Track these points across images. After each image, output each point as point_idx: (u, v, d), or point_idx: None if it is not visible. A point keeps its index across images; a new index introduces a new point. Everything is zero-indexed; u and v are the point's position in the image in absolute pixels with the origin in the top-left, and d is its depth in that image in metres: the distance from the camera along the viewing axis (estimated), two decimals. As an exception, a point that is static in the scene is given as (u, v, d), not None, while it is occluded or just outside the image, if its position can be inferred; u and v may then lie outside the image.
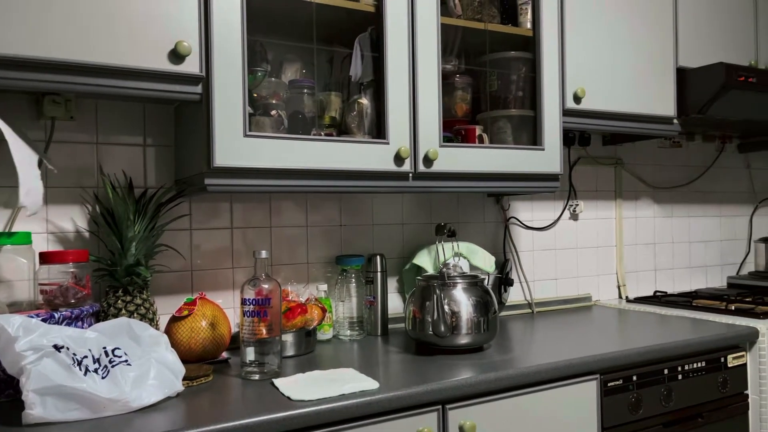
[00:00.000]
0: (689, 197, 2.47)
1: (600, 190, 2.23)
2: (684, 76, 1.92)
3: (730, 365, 1.62)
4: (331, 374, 1.23)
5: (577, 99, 1.71)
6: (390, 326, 1.75)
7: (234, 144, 1.24)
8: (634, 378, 1.44)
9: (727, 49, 2.05)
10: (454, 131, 1.64)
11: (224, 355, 1.42)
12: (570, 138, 2.10)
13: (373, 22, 1.44)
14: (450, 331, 1.39)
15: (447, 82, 1.69)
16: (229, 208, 1.58)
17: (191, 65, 1.21)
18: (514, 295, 2.03)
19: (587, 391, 1.37)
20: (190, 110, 1.35)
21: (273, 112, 1.38)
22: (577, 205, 2.15)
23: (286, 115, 1.41)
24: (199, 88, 1.24)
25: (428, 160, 1.47)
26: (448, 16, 1.56)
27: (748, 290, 2.29)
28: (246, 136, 1.25)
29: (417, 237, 1.84)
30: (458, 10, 1.57)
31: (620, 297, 2.25)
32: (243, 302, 1.23)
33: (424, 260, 1.70)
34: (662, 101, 1.89)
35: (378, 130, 1.44)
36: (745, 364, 1.65)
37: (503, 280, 1.93)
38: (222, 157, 1.23)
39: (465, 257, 1.73)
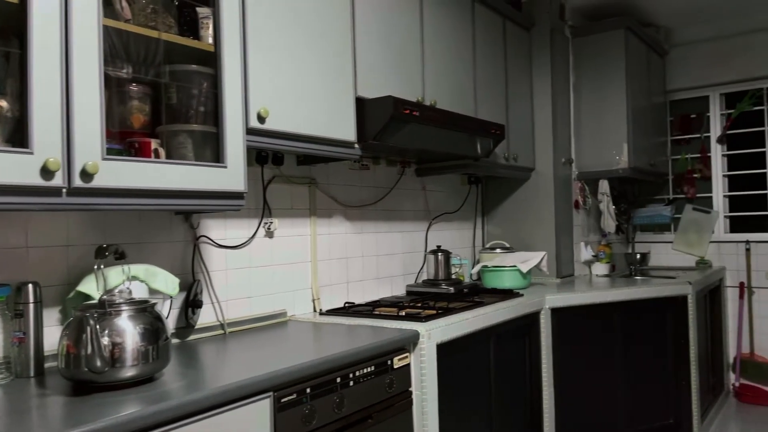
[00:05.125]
0: (377, 215, 2.72)
1: (295, 208, 2.31)
2: (363, 105, 2.11)
3: (396, 366, 1.80)
4: (-66, 437, 0.99)
5: (261, 119, 1.73)
6: (50, 365, 1.52)
7: None
8: (308, 390, 1.49)
9: (400, 84, 2.32)
10: (127, 144, 1.51)
11: None
12: (263, 157, 2.13)
13: (15, 13, 1.24)
14: (109, 364, 1.25)
15: (121, 90, 1.55)
16: None
17: None
18: (206, 317, 1.96)
19: (260, 411, 1.37)
20: None
21: None
22: (271, 222, 2.18)
23: None
24: None
25: (87, 175, 1.31)
26: (115, 18, 1.43)
27: (421, 296, 2.62)
28: None
29: (86, 261, 1.64)
30: (126, 13, 1.45)
31: (315, 310, 2.35)
32: None
33: (92, 287, 1.52)
34: (344, 127, 2.04)
35: (21, 139, 1.24)
36: (409, 364, 1.86)
37: (191, 303, 1.85)
38: None
39: (143, 281, 1.60)
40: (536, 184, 3.27)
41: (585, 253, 3.49)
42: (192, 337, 1.89)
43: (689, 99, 4.24)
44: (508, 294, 2.61)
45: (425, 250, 2.99)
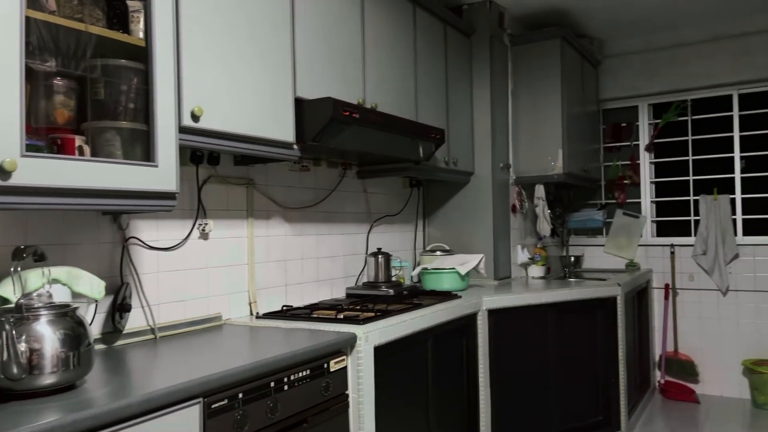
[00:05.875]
0: (317, 217, 2.70)
1: (231, 210, 2.26)
2: (302, 106, 2.09)
3: (332, 370, 1.79)
4: None
5: (195, 117, 1.69)
6: (-38, 373, 1.43)
7: None
8: (240, 396, 1.46)
9: (341, 86, 2.32)
10: (49, 140, 1.44)
11: None
12: (199, 156, 2.08)
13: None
14: (27, 371, 1.19)
15: (45, 84, 1.48)
16: None
17: None
18: (136, 321, 1.89)
19: (189, 417, 1.34)
20: None
21: None
22: (206, 224, 2.13)
23: None
24: None
25: (4, 172, 1.24)
26: (40, 9, 1.36)
27: (360, 298, 2.62)
28: None
29: (6, 262, 1.55)
30: (51, 5, 1.38)
31: (251, 314, 2.31)
32: None
33: (9, 290, 1.43)
34: (282, 127, 2.02)
35: (-72, 132, 1.16)
36: (345, 367, 1.86)
37: (119, 307, 1.78)
38: None
39: (65, 284, 1.53)
40: (475, 188, 3.34)
41: (521, 255, 3.58)
42: (120, 342, 1.82)
43: (620, 108, 4.44)
44: (446, 296, 2.64)
45: (366, 253, 2.99)
